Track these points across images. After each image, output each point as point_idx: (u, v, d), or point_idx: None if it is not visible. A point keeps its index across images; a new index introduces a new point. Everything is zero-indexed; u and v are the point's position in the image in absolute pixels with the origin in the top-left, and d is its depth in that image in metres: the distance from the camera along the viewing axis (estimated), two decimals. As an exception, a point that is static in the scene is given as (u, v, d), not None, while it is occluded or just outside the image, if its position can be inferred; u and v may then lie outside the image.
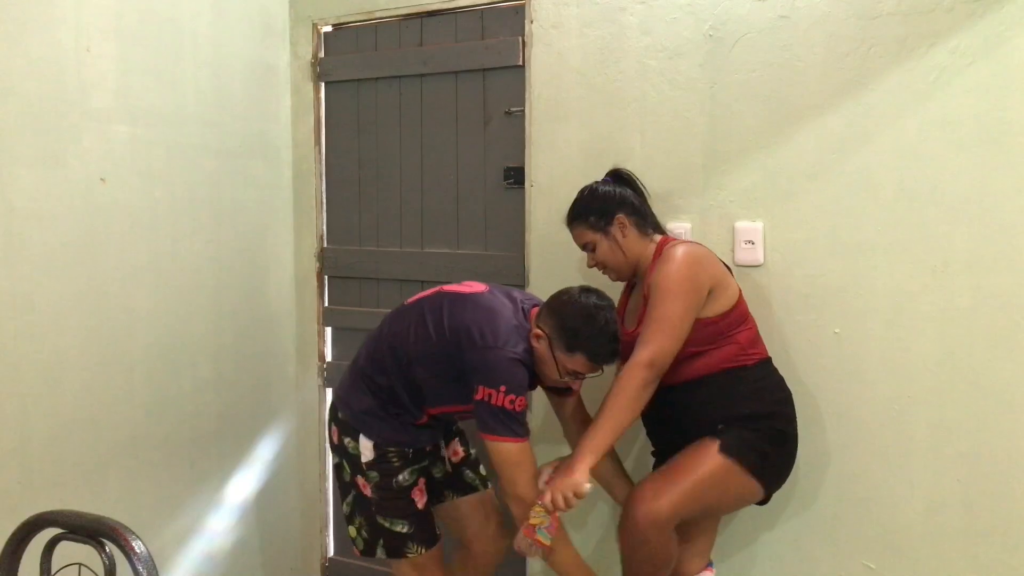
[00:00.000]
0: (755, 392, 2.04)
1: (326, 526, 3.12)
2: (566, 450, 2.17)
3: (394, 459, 2.14)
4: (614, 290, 2.22)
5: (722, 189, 2.31)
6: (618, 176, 2.20)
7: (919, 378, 2.10)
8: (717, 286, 2.01)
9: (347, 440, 2.16)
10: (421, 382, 2.08)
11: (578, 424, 2.18)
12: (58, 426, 2.30)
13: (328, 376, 3.07)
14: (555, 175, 2.54)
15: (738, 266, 2.27)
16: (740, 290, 2.09)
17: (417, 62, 2.81)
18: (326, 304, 3.08)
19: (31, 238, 2.22)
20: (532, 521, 1.96)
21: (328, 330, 3.09)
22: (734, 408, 2.01)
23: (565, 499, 1.89)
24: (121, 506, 2.41)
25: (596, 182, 2.19)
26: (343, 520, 2.30)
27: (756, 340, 2.09)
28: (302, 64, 3.01)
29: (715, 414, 2.01)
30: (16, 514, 1.57)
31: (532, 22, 2.56)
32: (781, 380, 2.12)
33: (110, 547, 1.43)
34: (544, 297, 2.12)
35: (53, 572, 1.52)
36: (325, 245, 3.07)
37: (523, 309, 2.09)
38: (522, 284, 2.60)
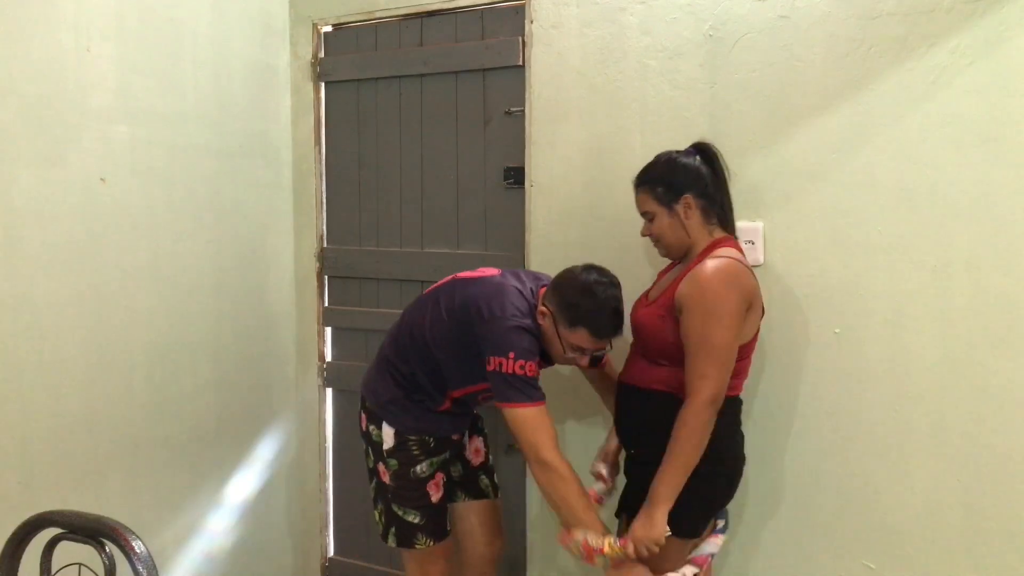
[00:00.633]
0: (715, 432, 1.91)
1: (326, 526, 3.12)
2: (573, 427, 2.16)
3: (414, 448, 2.20)
4: (638, 269, 2.20)
5: (722, 189, 2.31)
6: (703, 151, 2.05)
7: (919, 378, 2.10)
8: (749, 310, 1.93)
9: (372, 428, 2.24)
10: (441, 365, 2.14)
11: (607, 383, 2.22)
12: (58, 426, 2.30)
13: (328, 376, 3.07)
14: (555, 175, 2.54)
15: (738, 266, 2.27)
16: (763, 311, 2.01)
17: (417, 62, 2.81)
18: (326, 304, 3.08)
19: (31, 238, 2.22)
20: (605, 551, 1.91)
21: (328, 330, 3.09)
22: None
23: (648, 550, 1.88)
24: (121, 506, 2.41)
25: (678, 152, 2.05)
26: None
27: (739, 373, 1.98)
28: (302, 64, 3.01)
29: (661, 441, 1.91)
30: (16, 514, 1.58)
31: (532, 22, 2.56)
32: (738, 422, 2.06)
33: (110, 547, 1.43)
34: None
35: (53, 572, 1.52)
36: (325, 245, 3.07)
37: (531, 290, 2.13)
38: (522, 284, 2.60)
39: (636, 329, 2.06)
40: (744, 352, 1.97)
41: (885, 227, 2.11)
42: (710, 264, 1.90)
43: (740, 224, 2.27)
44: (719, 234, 2.02)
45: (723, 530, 2.08)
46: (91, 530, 1.43)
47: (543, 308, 2.05)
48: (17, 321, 2.20)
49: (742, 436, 2.08)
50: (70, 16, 2.30)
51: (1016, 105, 1.96)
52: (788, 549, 2.30)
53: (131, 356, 2.49)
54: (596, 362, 2.14)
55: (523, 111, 2.61)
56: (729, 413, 1.98)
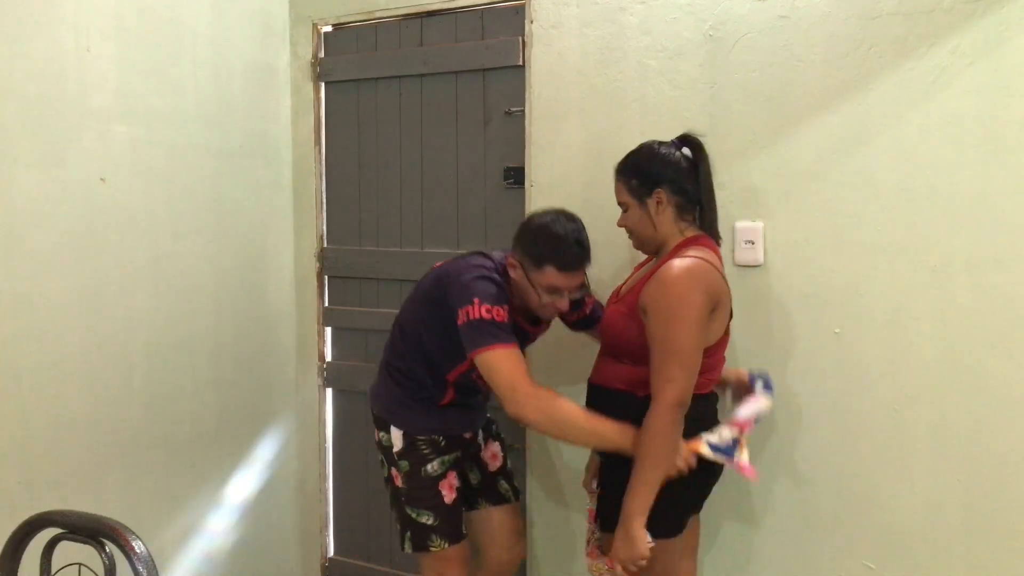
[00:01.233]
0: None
1: (326, 526, 3.12)
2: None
3: (424, 447, 2.20)
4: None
5: (722, 189, 2.29)
6: (689, 143, 1.97)
7: (919, 378, 2.10)
8: (715, 310, 1.87)
9: (382, 434, 2.25)
10: (431, 348, 2.15)
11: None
12: (58, 426, 2.30)
13: (328, 376, 3.07)
14: (555, 175, 2.55)
15: (738, 266, 2.27)
16: (731, 314, 1.97)
17: (417, 62, 2.81)
18: (326, 304, 3.08)
19: (31, 238, 2.22)
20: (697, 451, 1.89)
21: (328, 330, 3.09)
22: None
23: (636, 566, 1.84)
24: (121, 506, 2.41)
25: (660, 143, 1.99)
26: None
27: (710, 370, 1.94)
28: (302, 64, 3.01)
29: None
30: (16, 514, 1.58)
31: (532, 22, 2.56)
32: (712, 417, 2.01)
33: (110, 547, 1.43)
34: None
35: (53, 572, 1.52)
36: (325, 245, 3.07)
37: (500, 258, 2.13)
38: (522, 284, 2.60)
39: (602, 327, 2.06)
40: (713, 351, 1.92)
41: (885, 227, 2.11)
42: (675, 265, 1.84)
43: (740, 224, 2.28)
44: (691, 232, 1.95)
45: (768, 387, 2.05)
46: (91, 530, 1.44)
47: (511, 261, 2.07)
48: (17, 321, 2.20)
49: None
50: (70, 16, 2.30)
51: (1016, 105, 1.96)
52: (788, 549, 2.30)
53: (131, 356, 2.49)
54: (578, 306, 2.16)
55: (523, 111, 2.61)
56: (700, 410, 1.93)
